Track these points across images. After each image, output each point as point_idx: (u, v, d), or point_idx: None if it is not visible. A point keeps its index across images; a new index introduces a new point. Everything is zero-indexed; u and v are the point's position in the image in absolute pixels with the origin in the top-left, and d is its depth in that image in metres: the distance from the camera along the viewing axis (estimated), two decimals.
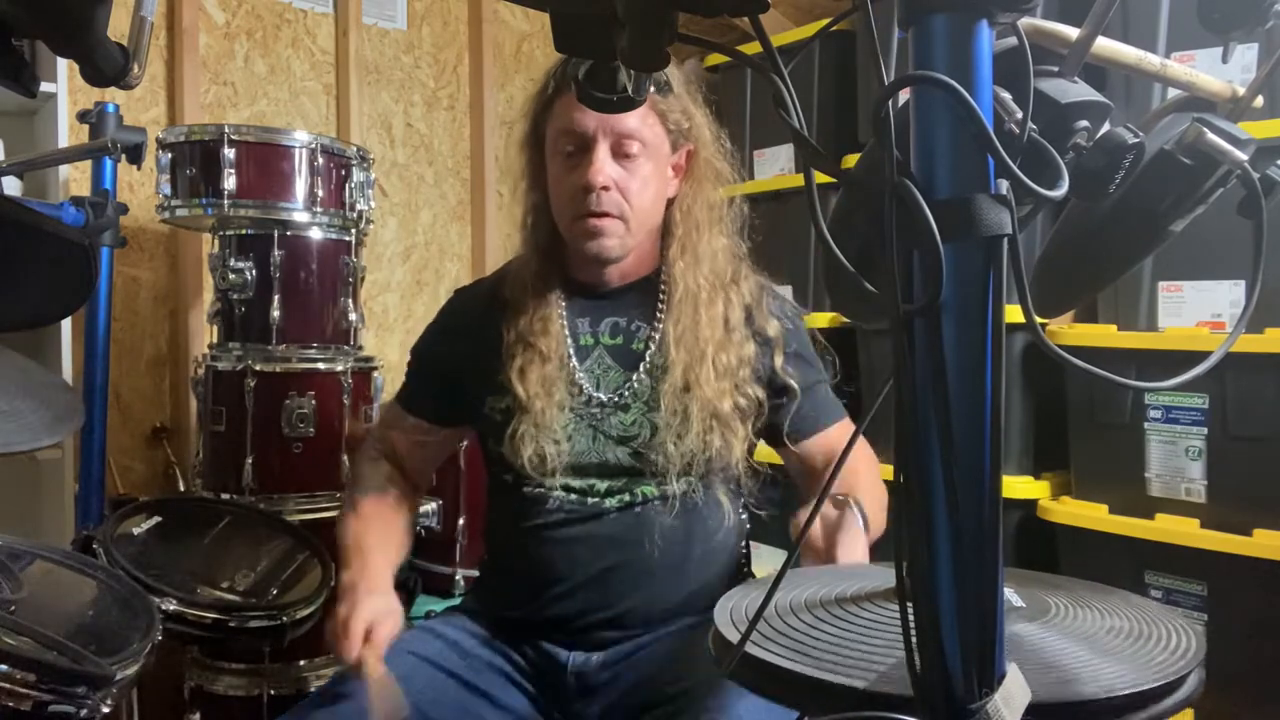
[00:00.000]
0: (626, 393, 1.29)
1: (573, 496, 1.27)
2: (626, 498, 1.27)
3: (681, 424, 1.25)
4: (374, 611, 1.16)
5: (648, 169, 1.28)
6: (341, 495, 1.94)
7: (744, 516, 1.39)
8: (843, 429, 1.37)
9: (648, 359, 1.30)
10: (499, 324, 1.32)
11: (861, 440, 1.28)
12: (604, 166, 1.25)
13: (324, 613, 1.69)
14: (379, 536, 1.31)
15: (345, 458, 1.94)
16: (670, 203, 1.34)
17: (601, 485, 1.27)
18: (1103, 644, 0.67)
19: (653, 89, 1.27)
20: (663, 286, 1.33)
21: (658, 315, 1.32)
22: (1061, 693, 0.59)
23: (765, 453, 1.40)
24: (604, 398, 1.29)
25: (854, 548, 1.08)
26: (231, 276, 1.92)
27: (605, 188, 1.24)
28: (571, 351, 1.31)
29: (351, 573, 1.23)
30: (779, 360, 1.33)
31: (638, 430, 1.28)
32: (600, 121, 1.24)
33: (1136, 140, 0.61)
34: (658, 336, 1.31)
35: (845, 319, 2.12)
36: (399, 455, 1.43)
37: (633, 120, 1.25)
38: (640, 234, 1.31)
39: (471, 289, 1.47)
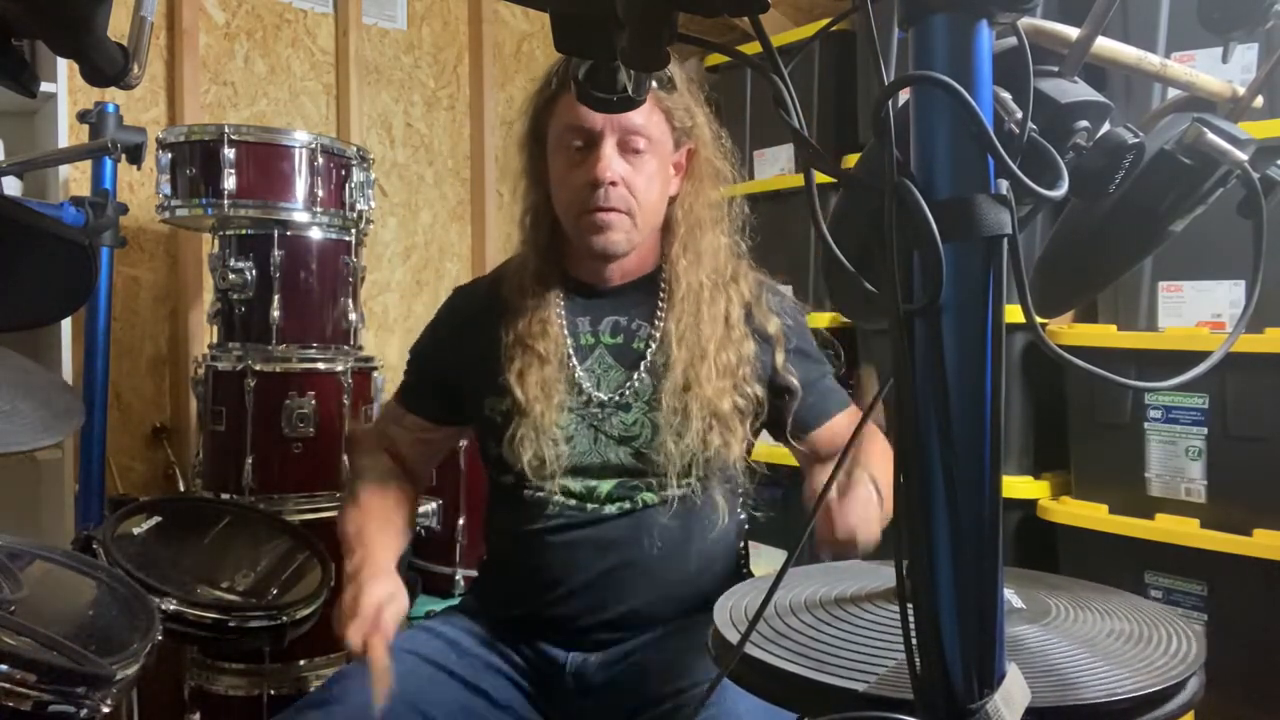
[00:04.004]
0: (627, 392, 1.29)
1: (572, 502, 1.27)
2: (626, 505, 1.26)
3: (681, 423, 1.25)
4: (381, 594, 1.15)
5: (653, 165, 1.28)
6: (341, 495, 1.94)
7: (742, 517, 1.39)
8: (849, 416, 1.37)
9: (649, 357, 1.30)
10: (498, 324, 1.32)
11: (875, 430, 1.27)
12: (611, 162, 1.24)
13: (324, 612, 1.69)
14: (380, 525, 1.30)
15: (345, 457, 1.94)
16: (671, 201, 1.34)
17: (602, 490, 1.27)
18: (1104, 647, 0.67)
19: (656, 85, 1.27)
20: (663, 284, 1.33)
21: (658, 313, 1.32)
22: (1062, 696, 0.59)
23: (763, 452, 1.40)
24: (604, 397, 1.29)
25: (866, 512, 1.06)
26: (231, 276, 1.92)
27: (613, 183, 1.24)
28: (571, 351, 1.31)
29: (355, 560, 1.22)
30: (780, 358, 1.33)
31: (639, 430, 1.27)
32: (607, 118, 1.23)
33: (1136, 140, 0.61)
34: (658, 335, 1.30)
35: (846, 318, 2.12)
36: (399, 451, 1.43)
37: (639, 116, 1.25)
38: (645, 230, 1.30)
39: (469, 288, 1.47)
